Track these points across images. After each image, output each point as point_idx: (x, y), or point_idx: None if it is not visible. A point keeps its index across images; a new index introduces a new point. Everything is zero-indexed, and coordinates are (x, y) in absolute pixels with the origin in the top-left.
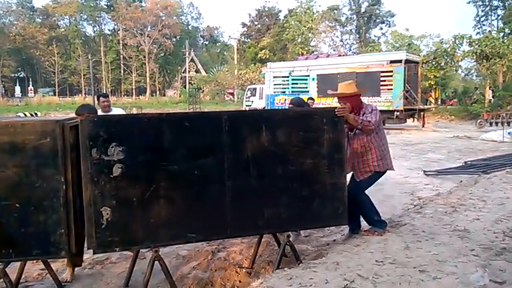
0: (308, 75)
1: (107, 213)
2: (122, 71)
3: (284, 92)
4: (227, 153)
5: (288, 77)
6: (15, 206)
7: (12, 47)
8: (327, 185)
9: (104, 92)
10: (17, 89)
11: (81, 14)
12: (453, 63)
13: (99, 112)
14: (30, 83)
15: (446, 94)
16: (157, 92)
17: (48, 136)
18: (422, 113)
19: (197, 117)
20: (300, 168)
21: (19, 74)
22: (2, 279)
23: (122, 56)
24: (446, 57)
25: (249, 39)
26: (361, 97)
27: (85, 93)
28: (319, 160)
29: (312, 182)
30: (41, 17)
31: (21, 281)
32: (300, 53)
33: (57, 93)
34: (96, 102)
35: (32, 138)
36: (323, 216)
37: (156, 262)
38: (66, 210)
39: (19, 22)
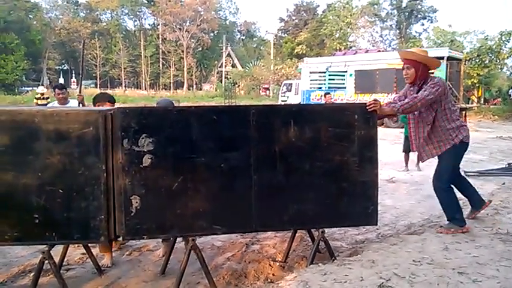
0: (346, 71)
1: (136, 202)
2: (161, 65)
3: (320, 87)
4: (254, 147)
5: (325, 72)
6: (59, 192)
7: (57, 40)
8: (356, 183)
9: (60, 83)
10: (61, 80)
11: (123, 9)
12: (498, 60)
13: (56, 104)
14: (73, 75)
15: (491, 93)
16: (194, 86)
17: (91, 125)
18: (464, 112)
19: (225, 110)
20: (328, 165)
21: (63, 66)
22: (47, 261)
23: (161, 50)
24: (491, 55)
25: (286, 34)
26: (429, 71)
27: (125, 86)
28: (349, 157)
29: (341, 180)
30: (84, 12)
31: (63, 263)
32: (337, 48)
33: (98, 86)
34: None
35: (75, 127)
36: (351, 215)
37: (192, 251)
38: (107, 197)
39: (64, 16)
